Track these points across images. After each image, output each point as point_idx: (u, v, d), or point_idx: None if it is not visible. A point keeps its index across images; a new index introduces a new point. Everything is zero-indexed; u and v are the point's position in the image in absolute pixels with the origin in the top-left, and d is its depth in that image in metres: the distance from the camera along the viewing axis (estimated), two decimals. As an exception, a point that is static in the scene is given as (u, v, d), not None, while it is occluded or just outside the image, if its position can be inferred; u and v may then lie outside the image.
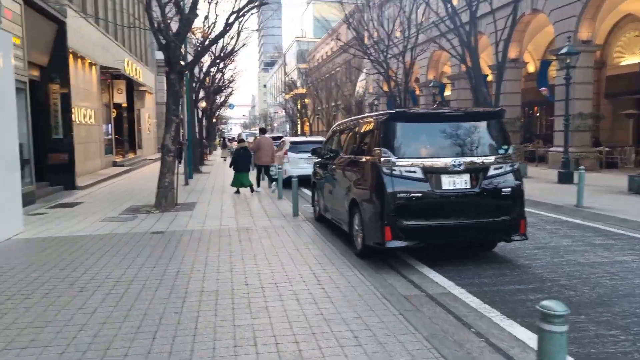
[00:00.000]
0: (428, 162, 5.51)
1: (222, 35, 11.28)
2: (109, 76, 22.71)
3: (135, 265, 5.86)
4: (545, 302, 2.45)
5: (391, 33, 26.25)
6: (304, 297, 4.66)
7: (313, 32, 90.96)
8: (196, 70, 23.38)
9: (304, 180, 15.13)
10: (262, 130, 15.09)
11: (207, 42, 11.97)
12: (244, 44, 20.88)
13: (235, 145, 23.09)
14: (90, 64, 19.47)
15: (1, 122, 7.60)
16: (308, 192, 13.59)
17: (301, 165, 14.52)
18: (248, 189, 13.37)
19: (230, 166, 13.48)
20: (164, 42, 10.65)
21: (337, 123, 7.79)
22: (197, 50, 12.87)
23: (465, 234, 5.68)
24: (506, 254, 6.56)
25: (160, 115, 34.02)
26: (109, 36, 22.45)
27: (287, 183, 13.41)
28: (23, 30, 11.56)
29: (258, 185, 13.94)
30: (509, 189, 5.67)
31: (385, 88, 38.20)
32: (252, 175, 13.99)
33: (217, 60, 22.18)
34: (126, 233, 7.87)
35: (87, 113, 18.64)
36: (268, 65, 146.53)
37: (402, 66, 26.85)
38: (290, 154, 14.46)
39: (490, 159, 5.68)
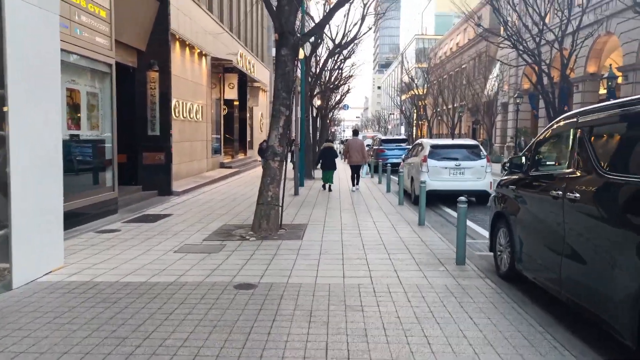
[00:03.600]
0: None
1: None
2: (221, 69, 20.88)
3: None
4: None
5: (546, 14, 21.48)
6: None
7: (435, 29, 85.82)
8: (312, 62, 20.74)
9: (443, 197, 11.61)
10: (355, 132, 15.81)
11: (332, 6, 8.84)
12: (370, 28, 17.78)
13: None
14: (200, 54, 17.59)
15: (33, 106, 5.11)
16: (452, 213, 10.00)
17: (445, 177, 10.92)
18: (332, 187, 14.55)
19: (316, 164, 15.72)
20: (275, 3, 7.77)
21: (575, 112, 4.14)
22: (317, 25, 9.92)
23: None
24: None
25: (273, 114, 32.21)
26: (222, 25, 20.61)
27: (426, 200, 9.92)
28: (111, 1, 9.41)
29: (353, 184, 14.55)
30: None
31: (526, 85, 32.95)
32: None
33: (337, 50, 19.25)
34: (198, 284, 4.97)
35: (193, 108, 16.71)
36: (383, 66, 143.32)
37: (558, 56, 21.94)
38: (430, 161, 10.93)
39: None
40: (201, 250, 6.56)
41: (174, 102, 14.53)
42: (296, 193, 13.11)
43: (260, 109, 31.25)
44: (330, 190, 14.08)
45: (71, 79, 8.38)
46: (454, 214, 10.35)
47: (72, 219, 8.16)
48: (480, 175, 10.84)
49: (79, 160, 8.71)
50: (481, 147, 11.33)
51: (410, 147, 15.30)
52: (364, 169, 15.12)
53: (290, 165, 19.86)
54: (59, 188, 5.57)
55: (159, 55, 12.30)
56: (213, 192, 13.49)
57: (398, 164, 18.36)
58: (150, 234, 7.73)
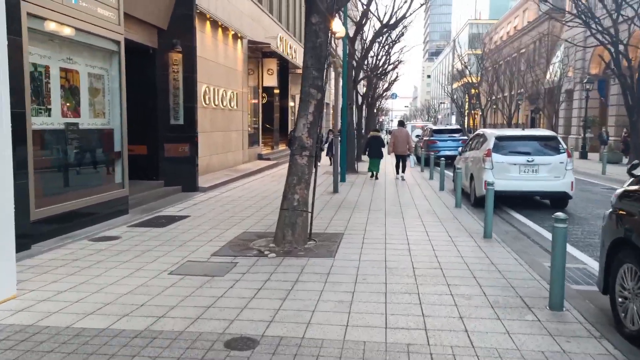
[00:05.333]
0: None
1: None
2: (259, 54, 19.49)
3: None
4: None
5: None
6: None
7: (489, 13, 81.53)
8: (357, 45, 18.99)
9: (510, 199, 9.72)
10: (400, 123, 16.25)
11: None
12: (421, 4, 15.83)
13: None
14: (235, 37, 16.22)
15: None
16: (523, 220, 8.11)
17: (514, 175, 9.01)
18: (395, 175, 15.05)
19: (364, 153, 16.80)
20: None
21: None
22: None
23: None
24: None
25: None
26: (260, 5, 19.17)
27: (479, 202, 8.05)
28: (119, -33, 8.09)
29: (397, 172, 14.80)
30: None
31: (594, 69, 29.81)
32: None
33: (384, 30, 17.40)
34: (177, 336, 3.49)
35: (227, 95, 15.39)
36: (433, 54, 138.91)
37: (636, 34, 19.21)
38: (495, 156, 9.05)
39: None
40: (203, 272, 5.11)
41: (203, 88, 13.26)
42: (335, 190, 11.52)
43: (303, 98, 29.73)
44: (377, 178, 14.56)
45: (66, 57, 7.10)
46: (527, 221, 8.48)
47: (68, 223, 6.95)
48: (558, 173, 8.87)
49: (77, 154, 7.44)
50: (560, 139, 9.30)
51: (468, 138, 13.39)
52: (411, 159, 15.70)
53: (326, 160, 18.33)
54: (4, 195, 4.22)
55: (183, 35, 10.95)
56: (244, 188, 12.11)
57: (451, 157, 16.46)
58: (152, 243, 6.37)
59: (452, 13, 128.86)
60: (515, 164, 8.95)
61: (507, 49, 46.25)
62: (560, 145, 9.11)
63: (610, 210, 3.88)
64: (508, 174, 8.96)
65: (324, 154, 17.94)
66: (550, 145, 9.14)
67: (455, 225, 7.57)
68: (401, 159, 14.62)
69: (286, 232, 6.21)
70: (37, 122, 6.43)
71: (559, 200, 9.31)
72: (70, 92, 7.22)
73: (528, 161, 8.89)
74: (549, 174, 8.86)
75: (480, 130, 10.61)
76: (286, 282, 4.74)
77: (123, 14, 8.26)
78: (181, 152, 11.14)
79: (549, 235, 7.35)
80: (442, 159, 12.78)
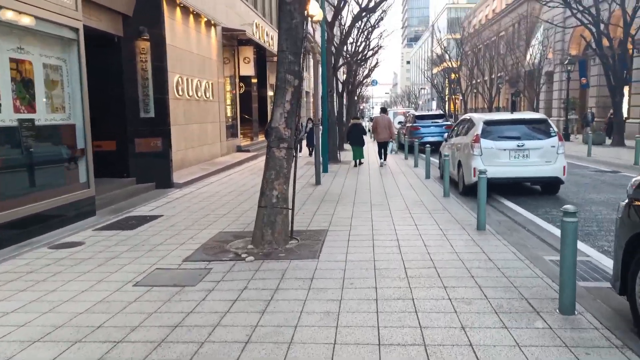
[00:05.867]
0: None
1: None
2: (235, 42, 18.77)
3: None
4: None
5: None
6: None
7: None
8: (335, 30, 18.40)
9: (501, 187, 9.29)
10: (383, 110, 16.38)
11: None
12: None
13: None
14: (208, 24, 15.50)
15: None
16: (515, 207, 7.70)
17: (504, 161, 8.61)
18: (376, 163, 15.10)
19: (346, 141, 17.06)
20: None
21: None
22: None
23: None
24: None
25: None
26: (233, -9, 18.43)
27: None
28: (73, -52, 7.38)
29: (380, 157, 14.92)
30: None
31: (574, 50, 29.69)
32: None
33: (363, 14, 16.84)
34: (134, 367, 2.98)
35: (201, 85, 14.72)
36: (412, 40, 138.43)
37: (616, 15, 18.96)
38: (484, 141, 8.62)
39: None
40: (173, 281, 4.58)
41: (175, 78, 12.59)
42: (317, 182, 11.02)
43: (282, 86, 29.02)
44: (361, 163, 14.76)
45: (17, 46, 6.44)
46: (519, 209, 8.09)
47: (26, 229, 6.34)
48: (550, 157, 8.50)
49: (34, 153, 6.79)
50: (550, 123, 8.91)
51: (454, 124, 12.97)
52: (390, 146, 15.79)
53: (306, 151, 17.77)
54: None
55: (150, 22, 10.25)
56: (221, 183, 11.54)
57: (435, 143, 16.06)
58: (118, 249, 5.80)
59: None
60: (505, 150, 8.55)
61: (487, 32, 46.06)
62: (551, 129, 8.73)
63: (626, 201, 3.45)
64: (498, 160, 8.55)
65: (304, 143, 17.39)
66: (540, 128, 8.75)
67: (445, 217, 7.14)
68: (383, 146, 14.84)
69: (265, 232, 5.70)
70: (-17, 120, 5.79)
71: (550, 185, 8.97)
72: (23, 85, 6.56)
73: (518, 146, 8.49)
74: (540, 158, 8.48)
75: (467, 115, 10.18)
76: (265, 291, 4.25)
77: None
78: (153, 147, 10.50)
79: (544, 224, 6.98)
80: (428, 145, 12.32)
